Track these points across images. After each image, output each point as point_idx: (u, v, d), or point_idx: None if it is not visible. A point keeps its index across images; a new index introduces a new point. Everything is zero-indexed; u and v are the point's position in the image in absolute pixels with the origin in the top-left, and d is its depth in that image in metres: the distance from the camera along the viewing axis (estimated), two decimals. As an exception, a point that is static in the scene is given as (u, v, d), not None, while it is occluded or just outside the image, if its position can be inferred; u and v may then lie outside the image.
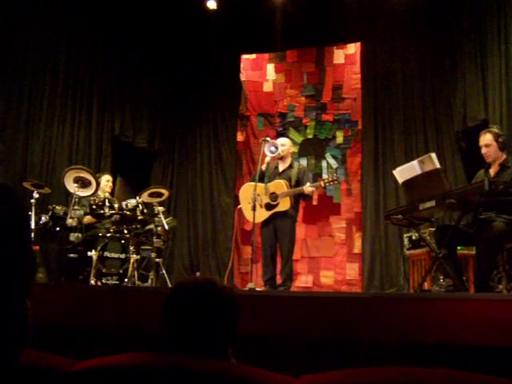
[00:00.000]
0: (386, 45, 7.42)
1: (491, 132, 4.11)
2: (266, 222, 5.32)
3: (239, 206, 5.51)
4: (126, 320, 2.89)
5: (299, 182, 5.34)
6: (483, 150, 4.13)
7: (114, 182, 6.25)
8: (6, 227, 0.81)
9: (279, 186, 5.25)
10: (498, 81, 5.81)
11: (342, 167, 7.77)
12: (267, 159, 5.32)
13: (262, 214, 5.27)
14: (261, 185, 5.25)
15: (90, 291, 3.56)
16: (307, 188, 5.13)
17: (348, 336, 2.53)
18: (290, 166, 5.44)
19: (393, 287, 6.56)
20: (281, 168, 5.45)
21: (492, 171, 4.14)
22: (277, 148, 5.23)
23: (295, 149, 7.84)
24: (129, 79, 7.59)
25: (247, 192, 5.27)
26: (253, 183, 5.18)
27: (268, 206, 5.25)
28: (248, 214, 5.26)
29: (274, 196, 5.23)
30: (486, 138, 4.11)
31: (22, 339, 0.94)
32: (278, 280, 5.41)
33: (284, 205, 5.20)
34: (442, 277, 5.10)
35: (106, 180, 5.86)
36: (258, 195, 5.21)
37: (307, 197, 5.37)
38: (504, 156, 4.08)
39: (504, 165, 4.05)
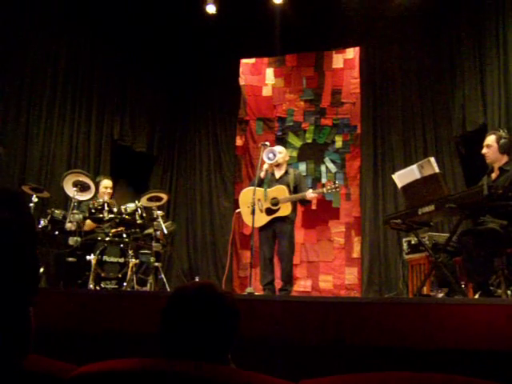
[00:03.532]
0: (385, 49, 7.45)
1: (495, 134, 4.14)
2: (265, 226, 5.35)
3: (238, 210, 5.53)
4: (124, 324, 2.89)
5: (297, 188, 5.43)
6: (483, 150, 4.16)
7: (114, 187, 6.20)
8: (11, 233, 0.80)
9: (281, 191, 5.31)
10: (496, 85, 5.82)
11: (341, 172, 7.77)
12: (265, 166, 5.39)
13: (262, 219, 5.31)
14: (260, 189, 5.30)
15: (89, 295, 3.55)
16: (309, 194, 5.21)
17: (347, 341, 2.52)
18: (286, 173, 5.54)
19: (392, 292, 6.55)
20: (277, 175, 5.52)
21: (493, 175, 4.15)
22: (275, 155, 5.30)
23: (294, 153, 7.87)
24: (128, 84, 7.60)
25: (247, 196, 5.29)
26: (252, 188, 5.21)
27: (268, 211, 5.29)
28: (247, 218, 5.29)
29: (275, 201, 5.27)
30: (488, 139, 4.15)
31: (26, 346, 0.94)
32: (277, 284, 5.42)
33: (285, 210, 5.26)
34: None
35: (105, 187, 5.80)
36: (259, 200, 5.28)
37: (306, 202, 5.41)
38: (505, 159, 4.09)
39: (503, 168, 4.06)
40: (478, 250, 3.67)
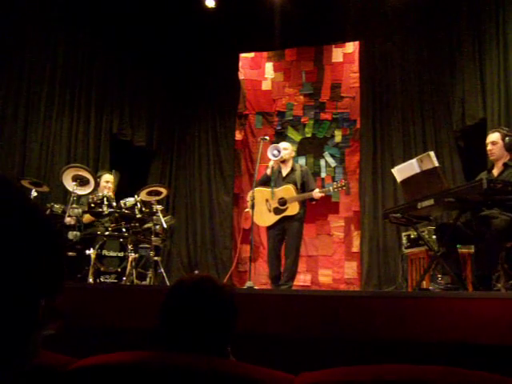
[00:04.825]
0: (385, 43, 7.43)
1: (500, 131, 4.17)
2: (273, 225, 5.44)
3: (246, 210, 5.56)
4: (124, 318, 2.89)
5: (304, 184, 5.46)
6: (488, 147, 4.18)
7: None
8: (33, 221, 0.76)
9: (288, 191, 5.35)
10: (496, 79, 5.82)
11: (341, 166, 7.77)
12: (271, 163, 5.42)
13: (271, 218, 5.39)
14: (267, 190, 5.37)
15: (88, 290, 3.55)
16: (316, 194, 5.24)
17: (347, 334, 2.53)
18: (293, 169, 5.53)
19: (391, 286, 6.57)
20: (284, 172, 5.53)
21: (495, 171, 4.16)
22: (279, 151, 5.33)
23: (294, 147, 7.86)
24: (127, 77, 7.58)
25: (257, 197, 5.31)
26: (261, 188, 5.38)
27: (276, 211, 5.33)
28: (256, 218, 5.29)
29: (282, 201, 5.32)
30: (493, 136, 4.17)
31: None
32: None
33: (292, 209, 5.30)
34: (439, 275, 5.11)
35: (105, 181, 5.78)
36: (267, 200, 5.34)
37: (314, 199, 5.43)
38: (509, 156, 4.11)
39: (507, 164, 4.08)
40: (497, 243, 3.69)
